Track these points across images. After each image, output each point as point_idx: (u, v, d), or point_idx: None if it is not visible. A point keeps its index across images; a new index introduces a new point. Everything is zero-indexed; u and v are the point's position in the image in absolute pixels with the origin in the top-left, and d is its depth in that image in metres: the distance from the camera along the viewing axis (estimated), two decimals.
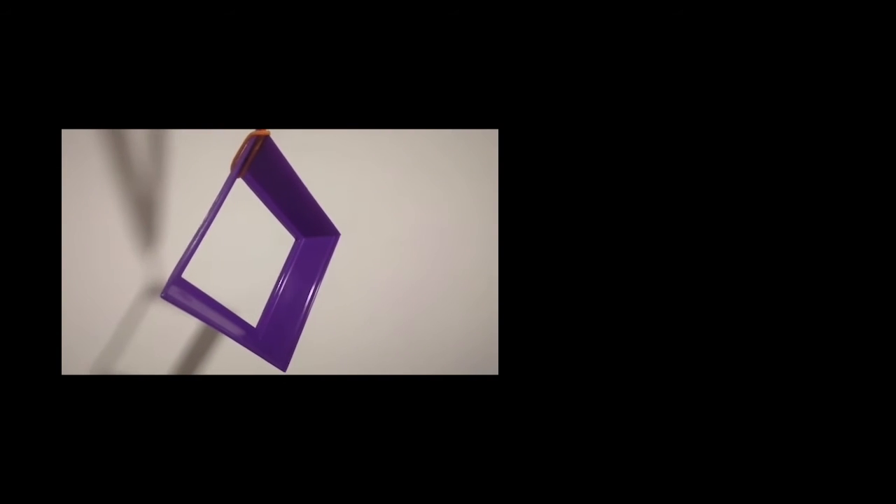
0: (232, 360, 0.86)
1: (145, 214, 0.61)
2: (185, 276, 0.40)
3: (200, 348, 0.78)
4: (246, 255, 0.70)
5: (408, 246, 1.31)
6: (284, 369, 0.46)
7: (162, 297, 0.34)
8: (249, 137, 0.42)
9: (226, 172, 0.56)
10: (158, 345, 0.69)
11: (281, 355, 0.47)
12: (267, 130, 0.42)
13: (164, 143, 0.60)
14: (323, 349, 1.26)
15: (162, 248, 0.65)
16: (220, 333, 0.81)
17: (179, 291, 0.37)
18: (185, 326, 0.73)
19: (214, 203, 0.39)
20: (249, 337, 0.46)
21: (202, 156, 0.60)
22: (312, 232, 0.54)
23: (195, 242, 0.36)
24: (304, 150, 0.87)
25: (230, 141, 0.55)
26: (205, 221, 0.38)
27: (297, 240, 0.55)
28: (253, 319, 0.49)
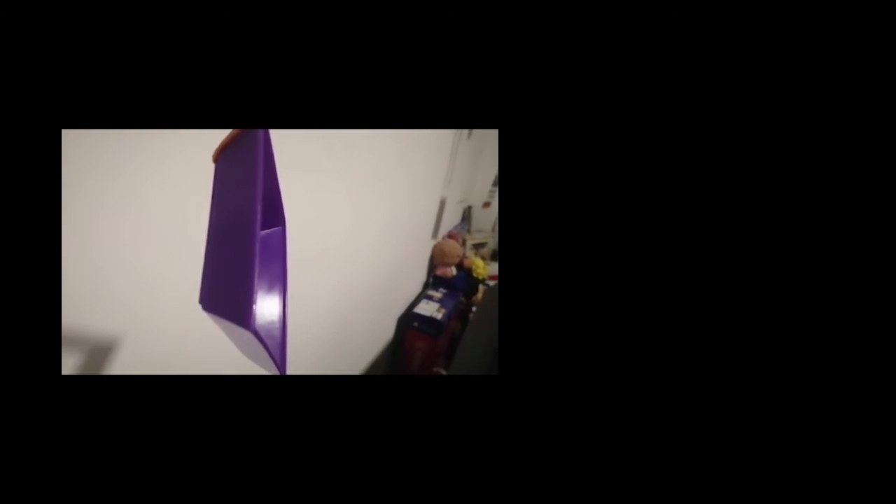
0: (228, 361, 0.86)
1: (151, 213, 0.60)
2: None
3: (196, 349, 0.78)
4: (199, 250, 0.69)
5: (356, 237, 1.32)
6: (284, 371, 0.46)
7: (252, 331, 0.32)
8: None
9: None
10: (159, 345, 0.69)
11: (281, 358, 0.47)
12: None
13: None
14: (324, 350, 1.26)
15: (160, 250, 0.64)
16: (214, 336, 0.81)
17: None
18: (185, 326, 0.73)
19: (250, 215, 0.36)
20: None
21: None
22: (264, 224, 0.52)
23: (254, 260, 0.33)
24: (293, 149, 0.86)
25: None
26: (247, 240, 0.35)
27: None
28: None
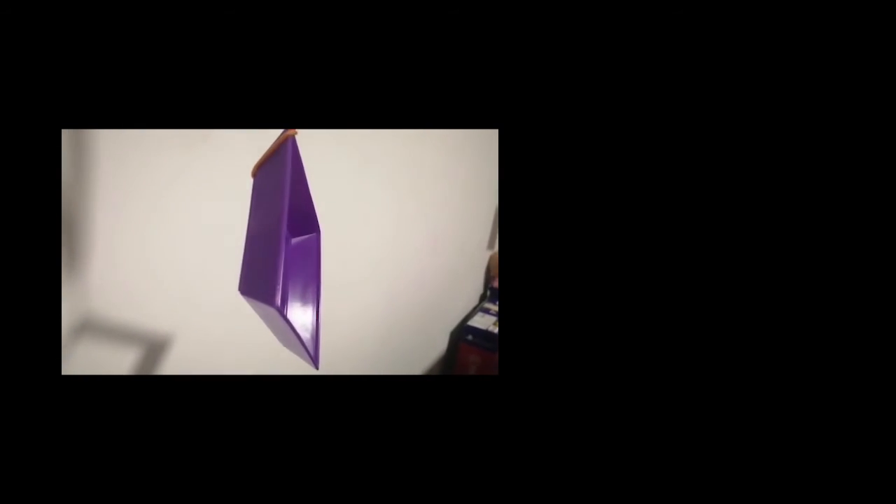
0: (238, 361, 0.86)
1: (145, 212, 0.61)
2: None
3: (200, 348, 0.78)
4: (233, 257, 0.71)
5: (402, 248, 1.32)
6: (318, 367, 0.47)
7: (277, 308, 0.36)
8: (284, 138, 0.44)
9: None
10: (160, 344, 0.69)
11: (315, 349, 0.48)
12: (294, 130, 0.44)
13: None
14: (373, 361, 1.26)
15: (164, 249, 0.65)
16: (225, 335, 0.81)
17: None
18: (187, 325, 0.73)
19: (278, 211, 0.40)
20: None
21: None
22: (299, 231, 0.53)
23: (279, 249, 0.38)
24: (329, 158, 0.87)
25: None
26: (276, 232, 0.39)
27: (287, 241, 0.54)
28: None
